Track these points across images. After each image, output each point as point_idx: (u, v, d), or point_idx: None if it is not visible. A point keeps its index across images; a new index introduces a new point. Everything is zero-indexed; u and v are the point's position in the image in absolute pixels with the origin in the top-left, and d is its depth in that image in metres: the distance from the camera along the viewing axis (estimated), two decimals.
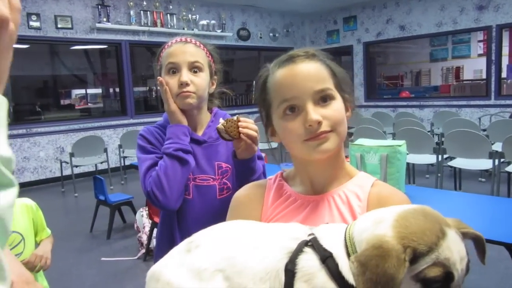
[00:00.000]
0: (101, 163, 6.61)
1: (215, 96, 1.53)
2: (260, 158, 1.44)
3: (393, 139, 5.63)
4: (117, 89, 8.31)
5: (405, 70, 13.40)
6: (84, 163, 6.48)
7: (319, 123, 0.85)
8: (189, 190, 1.39)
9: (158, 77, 1.38)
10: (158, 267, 0.77)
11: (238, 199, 1.03)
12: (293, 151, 0.93)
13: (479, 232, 0.70)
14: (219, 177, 1.40)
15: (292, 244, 0.71)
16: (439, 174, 4.88)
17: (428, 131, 5.98)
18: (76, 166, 6.28)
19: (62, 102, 10.46)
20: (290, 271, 0.68)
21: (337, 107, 0.88)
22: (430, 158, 5.08)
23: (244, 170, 1.33)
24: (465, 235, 0.68)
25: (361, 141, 3.33)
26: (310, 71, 0.88)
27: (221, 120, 1.27)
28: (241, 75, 10.61)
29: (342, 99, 0.91)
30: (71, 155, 6.06)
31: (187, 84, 1.34)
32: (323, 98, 0.87)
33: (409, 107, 9.23)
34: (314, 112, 0.85)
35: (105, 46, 8.34)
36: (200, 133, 1.45)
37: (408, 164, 5.34)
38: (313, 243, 0.70)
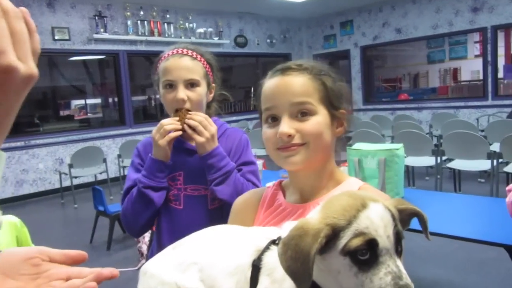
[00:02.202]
0: (101, 173, 6.60)
1: (215, 99, 1.54)
2: (249, 163, 1.46)
3: (392, 142, 5.64)
4: (116, 99, 8.33)
5: (403, 73, 13.43)
6: (83, 174, 6.48)
7: (289, 136, 0.89)
8: (179, 200, 1.40)
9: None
10: (149, 262, 0.87)
11: (237, 205, 1.09)
12: (271, 157, 0.97)
13: (421, 209, 0.71)
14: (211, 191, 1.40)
15: (262, 243, 0.77)
16: (438, 176, 4.87)
17: (427, 133, 5.99)
18: (76, 177, 6.28)
19: (61, 113, 10.48)
20: (256, 267, 0.74)
21: (315, 122, 0.90)
22: (429, 160, 5.07)
23: (207, 167, 1.35)
24: (403, 212, 0.70)
25: (358, 145, 3.33)
26: (294, 84, 0.91)
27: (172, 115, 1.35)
28: (240, 81, 10.64)
29: (330, 115, 0.93)
30: (70, 166, 6.06)
31: (183, 101, 1.36)
32: (302, 112, 0.90)
33: (407, 110, 9.23)
34: (287, 125, 0.89)
35: (103, 57, 8.37)
36: (194, 143, 1.45)
37: (407, 166, 5.34)
38: (278, 241, 0.73)
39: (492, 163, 4.42)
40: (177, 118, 1.35)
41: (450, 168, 5.04)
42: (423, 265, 3.42)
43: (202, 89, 1.41)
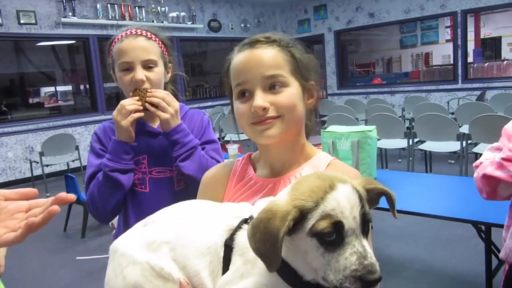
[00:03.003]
0: (73, 161, 6.47)
1: (171, 81, 1.51)
2: (211, 142, 1.45)
3: (366, 125, 5.71)
4: (88, 86, 8.13)
5: (376, 58, 13.58)
6: (55, 162, 6.34)
7: (264, 109, 0.87)
8: (145, 183, 1.38)
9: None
10: (118, 240, 0.85)
11: (206, 179, 1.07)
12: (245, 134, 0.96)
13: (389, 189, 0.73)
14: (176, 168, 1.38)
15: (234, 222, 0.77)
16: (410, 158, 4.98)
17: (399, 117, 6.09)
18: (47, 166, 6.14)
19: (30, 100, 10.16)
20: (228, 246, 0.74)
21: (288, 94, 0.89)
22: (401, 143, 5.18)
23: (171, 143, 1.34)
24: (372, 191, 0.71)
25: (332, 128, 3.37)
26: (264, 57, 0.89)
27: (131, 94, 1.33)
28: (214, 67, 10.54)
29: (301, 86, 0.92)
30: (41, 154, 5.91)
31: (142, 82, 1.33)
32: (274, 85, 0.89)
33: (380, 94, 9.37)
34: (261, 98, 0.87)
35: (72, 42, 8.13)
36: (156, 124, 1.44)
37: (380, 149, 5.45)
38: (250, 220, 0.74)
39: (462, 144, 4.55)
40: (137, 98, 1.32)
41: (421, 150, 5.16)
42: (395, 243, 3.51)
43: (160, 69, 1.38)
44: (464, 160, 4.55)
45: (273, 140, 0.90)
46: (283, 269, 0.68)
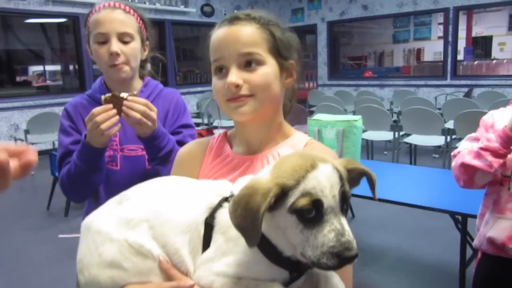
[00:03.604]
0: None
1: (147, 61, 1.48)
2: (188, 126, 1.43)
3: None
4: (77, 66, 8.03)
5: (369, 51, 13.63)
6: (40, 141, 6.26)
7: (237, 86, 0.87)
8: (116, 161, 1.36)
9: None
10: (91, 217, 0.83)
11: (181, 155, 1.05)
12: (221, 110, 0.96)
13: (370, 170, 0.74)
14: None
15: (214, 200, 0.77)
16: (395, 151, 5.05)
17: (388, 110, 6.14)
18: (32, 144, 6.07)
19: (18, 79, 10.00)
20: (209, 225, 0.75)
21: (263, 72, 0.89)
22: (387, 135, 5.23)
23: (148, 148, 1.29)
24: (353, 171, 0.72)
25: (319, 116, 3.39)
26: (241, 34, 0.89)
27: (103, 97, 1.21)
28: (206, 52, 10.44)
29: (279, 65, 0.92)
30: (26, 132, 5.85)
31: (117, 55, 1.30)
32: (250, 62, 0.88)
33: (370, 87, 9.42)
34: (235, 75, 0.87)
35: (62, 20, 8.00)
36: None
37: (366, 141, 5.50)
38: (231, 198, 0.74)
39: (446, 138, 4.61)
40: (111, 106, 1.19)
41: (407, 143, 5.22)
42: (376, 232, 3.57)
43: (136, 44, 1.35)
44: (447, 154, 4.62)
45: (246, 118, 0.91)
46: (264, 245, 0.69)
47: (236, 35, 0.89)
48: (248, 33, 0.89)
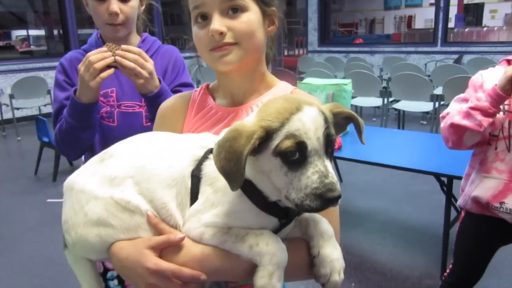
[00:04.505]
0: (45, 105, 6.30)
1: (140, 12, 1.44)
2: (188, 85, 1.41)
3: None
4: (61, 31, 7.80)
5: (359, 18, 13.46)
6: (26, 106, 6.16)
7: (221, 33, 0.84)
8: (113, 117, 1.34)
9: None
10: (73, 177, 0.82)
11: (162, 110, 1.02)
12: (204, 60, 0.93)
13: (355, 113, 0.73)
14: (146, 105, 1.32)
15: (199, 152, 0.76)
16: (384, 118, 5.07)
17: (378, 76, 6.12)
18: (18, 109, 5.97)
19: (1, 43, 9.74)
20: (195, 177, 0.74)
21: (247, 19, 0.86)
22: (377, 101, 5.24)
23: (150, 106, 1.25)
24: (339, 115, 0.71)
25: (309, 80, 3.37)
26: None
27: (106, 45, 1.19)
28: None
29: (262, 12, 0.89)
30: (11, 96, 5.74)
31: (116, 15, 1.28)
32: (233, 9, 0.85)
33: (360, 53, 9.34)
34: (218, 22, 0.84)
35: None
36: None
37: (356, 107, 5.51)
38: None
39: (434, 104, 4.63)
40: (105, 49, 1.17)
41: (396, 109, 5.23)
42: (363, 197, 3.63)
43: (135, 2, 1.33)
44: (435, 120, 4.65)
45: (231, 67, 0.88)
46: (250, 191, 0.70)
47: None
48: None
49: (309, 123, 0.64)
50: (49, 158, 4.32)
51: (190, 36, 0.93)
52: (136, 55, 1.17)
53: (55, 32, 8.88)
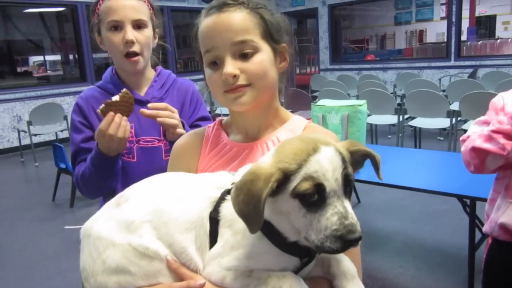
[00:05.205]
0: (62, 131, 6.40)
1: (155, 50, 1.46)
2: (206, 119, 1.41)
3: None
4: (77, 55, 7.97)
5: (370, 34, 13.48)
6: (43, 132, 6.27)
7: (235, 76, 0.85)
8: (133, 153, 1.34)
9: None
10: (89, 223, 0.81)
11: (177, 148, 1.02)
12: (218, 102, 0.93)
13: (374, 151, 0.73)
14: (165, 138, 1.34)
15: (216, 193, 0.75)
16: (400, 134, 5.01)
17: (391, 93, 6.08)
18: (35, 135, 6.07)
19: (19, 69, 9.97)
20: (214, 219, 0.73)
21: (259, 60, 0.86)
22: (392, 119, 5.19)
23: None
24: (356, 153, 0.71)
25: (323, 101, 3.35)
26: (232, 21, 0.85)
27: (99, 110, 1.20)
28: (193, 42, 10.35)
29: (273, 50, 0.89)
30: (29, 123, 5.84)
31: (132, 43, 1.28)
32: (244, 52, 0.85)
33: (373, 70, 9.32)
34: (231, 66, 0.84)
35: (61, 9, 7.93)
36: (143, 92, 1.39)
37: (371, 125, 5.46)
38: None
39: (451, 121, 4.57)
40: (113, 114, 1.18)
41: (411, 126, 5.18)
42: (382, 217, 3.56)
43: (149, 32, 1.33)
44: (453, 136, 4.58)
45: (246, 107, 0.89)
46: (269, 232, 0.69)
47: (227, 23, 0.85)
48: (239, 20, 0.86)
49: (326, 164, 0.64)
50: (67, 184, 4.35)
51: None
52: (167, 112, 1.22)
53: (71, 57, 9.08)
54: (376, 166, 0.73)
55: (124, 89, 1.22)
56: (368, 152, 0.72)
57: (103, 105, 1.19)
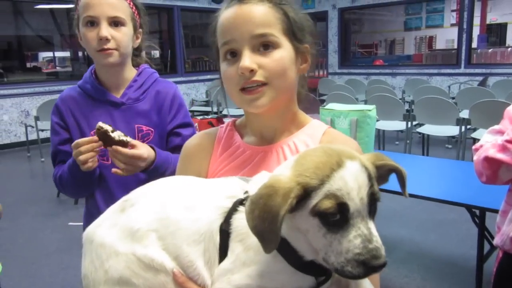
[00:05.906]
0: None
1: (141, 50, 1.42)
2: (187, 125, 1.38)
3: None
4: (86, 52, 7.99)
5: (379, 39, 13.42)
6: (50, 127, 6.28)
7: (252, 71, 0.79)
8: (107, 155, 1.30)
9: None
10: (92, 228, 0.76)
11: (188, 149, 0.98)
12: (233, 100, 0.88)
13: (400, 166, 0.68)
14: (140, 140, 1.29)
15: (227, 203, 0.70)
16: (408, 141, 4.96)
17: (400, 99, 6.04)
18: (42, 130, 6.08)
19: (28, 65, 10.03)
20: (225, 232, 0.67)
21: (279, 57, 0.81)
22: (400, 125, 5.14)
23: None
24: (382, 168, 0.66)
25: (332, 105, 3.33)
26: (253, 13, 0.81)
27: (98, 126, 1.18)
28: (212, 36, 10.36)
29: (294, 49, 0.84)
30: (36, 118, 5.85)
31: (107, 40, 1.24)
32: (264, 45, 0.81)
33: (381, 75, 9.27)
34: (249, 59, 0.79)
35: (71, 6, 7.94)
36: (118, 94, 1.34)
37: (378, 130, 5.42)
38: (246, 201, 0.67)
39: (460, 129, 4.52)
40: (96, 139, 1.17)
41: (419, 133, 5.13)
42: (388, 225, 3.52)
43: (127, 30, 1.29)
44: (462, 144, 4.53)
45: (262, 109, 0.84)
46: (284, 249, 0.64)
47: (248, 15, 0.81)
48: (261, 13, 0.81)
49: (351, 182, 0.58)
50: None
51: (211, 58, 0.90)
52: (128, 159, 1.17)
53: (79, 53, 9.12)
54: (402, 182, 0.67)
55: (97, 124, 1.16)
56: (395, 167, 0.67)
57: (104, 128, 1.15)
